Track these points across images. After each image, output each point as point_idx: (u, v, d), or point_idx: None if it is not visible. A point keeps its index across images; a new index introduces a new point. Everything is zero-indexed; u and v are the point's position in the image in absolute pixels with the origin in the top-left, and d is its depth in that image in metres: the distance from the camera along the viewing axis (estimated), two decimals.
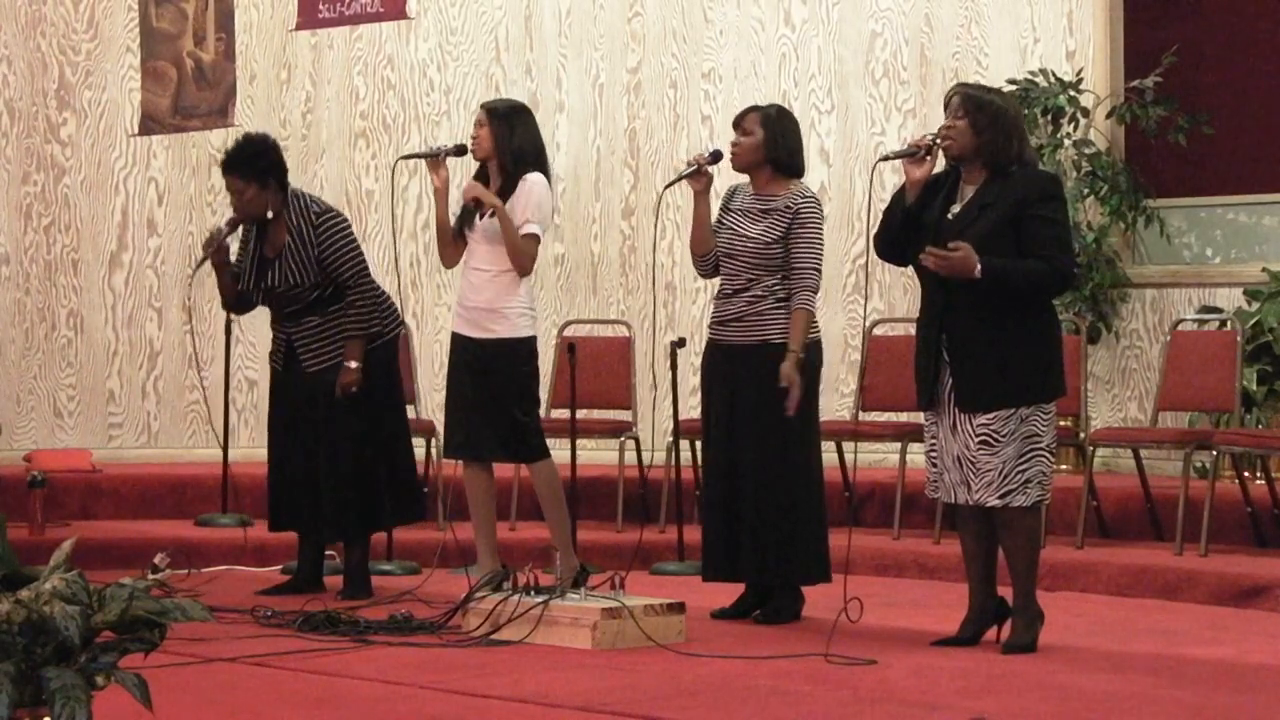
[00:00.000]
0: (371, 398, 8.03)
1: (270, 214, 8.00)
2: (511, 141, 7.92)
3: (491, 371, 7.95)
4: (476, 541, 8.16)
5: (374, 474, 8.04)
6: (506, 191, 7.93)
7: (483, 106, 8.12)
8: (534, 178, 7.92)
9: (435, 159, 8.11)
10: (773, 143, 7.42)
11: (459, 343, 8.08)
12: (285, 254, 8.00)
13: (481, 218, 7.94)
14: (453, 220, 8.10)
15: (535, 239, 7.91)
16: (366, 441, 8.03)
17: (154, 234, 11.24)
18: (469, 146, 8.08)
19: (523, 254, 7.88)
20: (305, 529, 8.19)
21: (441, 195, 8.07)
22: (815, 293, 7.38)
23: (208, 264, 8.17)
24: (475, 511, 8.13)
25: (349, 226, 8.13)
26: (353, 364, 7.96)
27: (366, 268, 8.08)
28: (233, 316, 9.99)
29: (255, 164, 8.02)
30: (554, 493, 8.04)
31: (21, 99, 11.11)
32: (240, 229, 8.19)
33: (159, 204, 11.25)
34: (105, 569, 7.87)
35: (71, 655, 3.90)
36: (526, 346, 7.99)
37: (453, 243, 8.10)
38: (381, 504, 8.06)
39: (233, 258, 8.25)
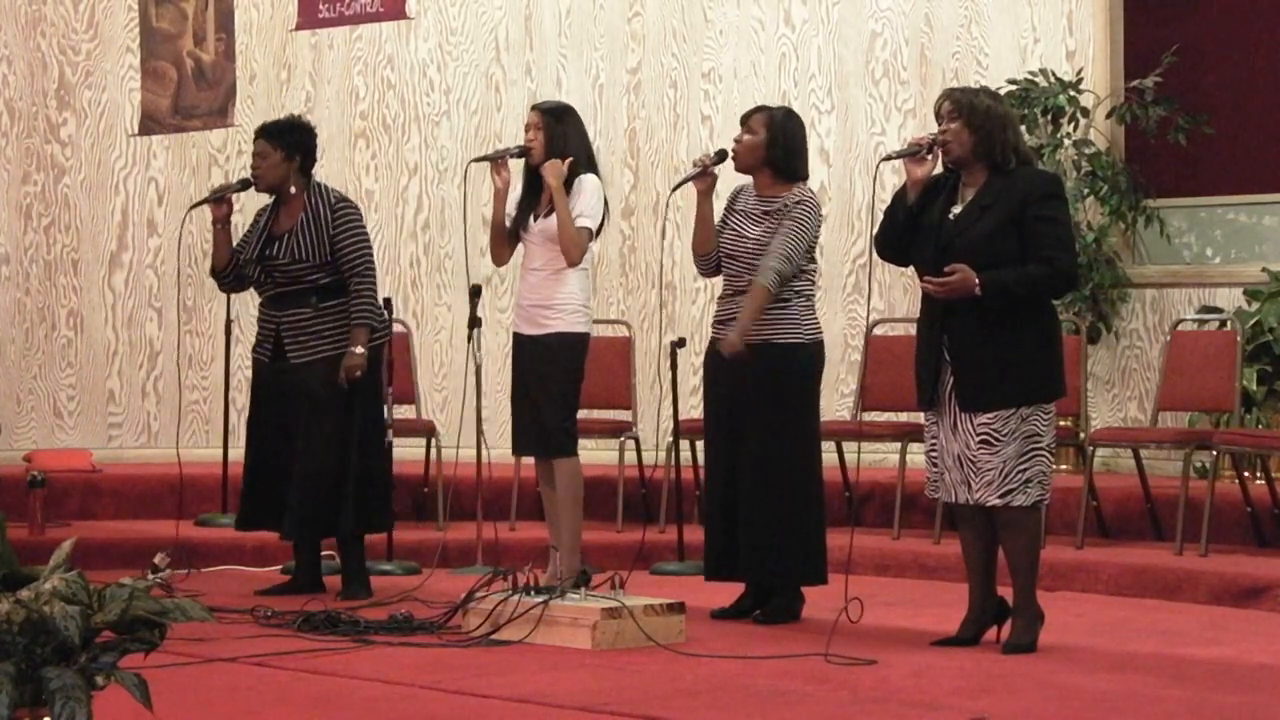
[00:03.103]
0: (354, 399, 8.04)
1: (293, 189, 8.06)
2: (568, 145, 7.95)
3: (544, 365, 7.97)
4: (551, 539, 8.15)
5: (344, 476, 8.02)
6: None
7: (535, 109, 8.17)
8: (589, 179, 7.98)
9: (500, 160, 8.14)
10: (773, 145, 7.43)
11: (517, 341, 8.13)
12: (296, 229, 8.05)
13: (537, 218, 7.97)
14: (508, 221, 8.11)
15: (588, 231, 7.94)
16: (346, 442, 8.03)
17: (154, 234, 11.23)
18: (527, 148, 8.10)
19: (574, 244, 7.90)
20: (276, 525, 8.19)
21: (501, 195, 8.10)
22: (780, 275, 7.29)
23: (205, 230, 8.20)
24: (546, 510, 8.15)
25: (363, 219, 8.23)
26: (358, 349, 7.99)
27: (374, 262, 8.15)
28: (231, 318, 10.00)
29: (285, 135, 8.16)
30: (575, 493, 8.02)
31: (21, 99, 11.11)
32: (246, 201, 8.22)
33: (159, 204, 11.25)
34: (105, 569, 7.89)
35: (71, 655, 3.90)
36: (575, 340, 7.99)
37: (506, 242, 8.15)
38: (346, 508, 8.03)
39: (234, 240, 8.28)
